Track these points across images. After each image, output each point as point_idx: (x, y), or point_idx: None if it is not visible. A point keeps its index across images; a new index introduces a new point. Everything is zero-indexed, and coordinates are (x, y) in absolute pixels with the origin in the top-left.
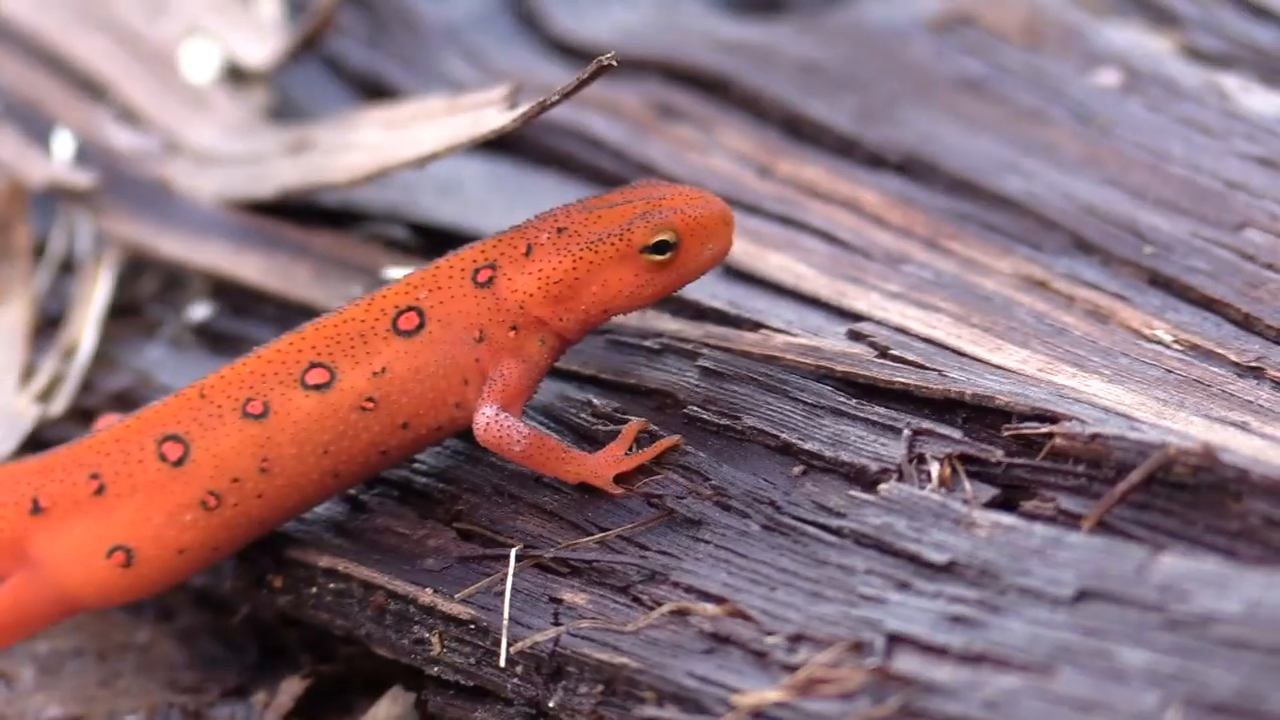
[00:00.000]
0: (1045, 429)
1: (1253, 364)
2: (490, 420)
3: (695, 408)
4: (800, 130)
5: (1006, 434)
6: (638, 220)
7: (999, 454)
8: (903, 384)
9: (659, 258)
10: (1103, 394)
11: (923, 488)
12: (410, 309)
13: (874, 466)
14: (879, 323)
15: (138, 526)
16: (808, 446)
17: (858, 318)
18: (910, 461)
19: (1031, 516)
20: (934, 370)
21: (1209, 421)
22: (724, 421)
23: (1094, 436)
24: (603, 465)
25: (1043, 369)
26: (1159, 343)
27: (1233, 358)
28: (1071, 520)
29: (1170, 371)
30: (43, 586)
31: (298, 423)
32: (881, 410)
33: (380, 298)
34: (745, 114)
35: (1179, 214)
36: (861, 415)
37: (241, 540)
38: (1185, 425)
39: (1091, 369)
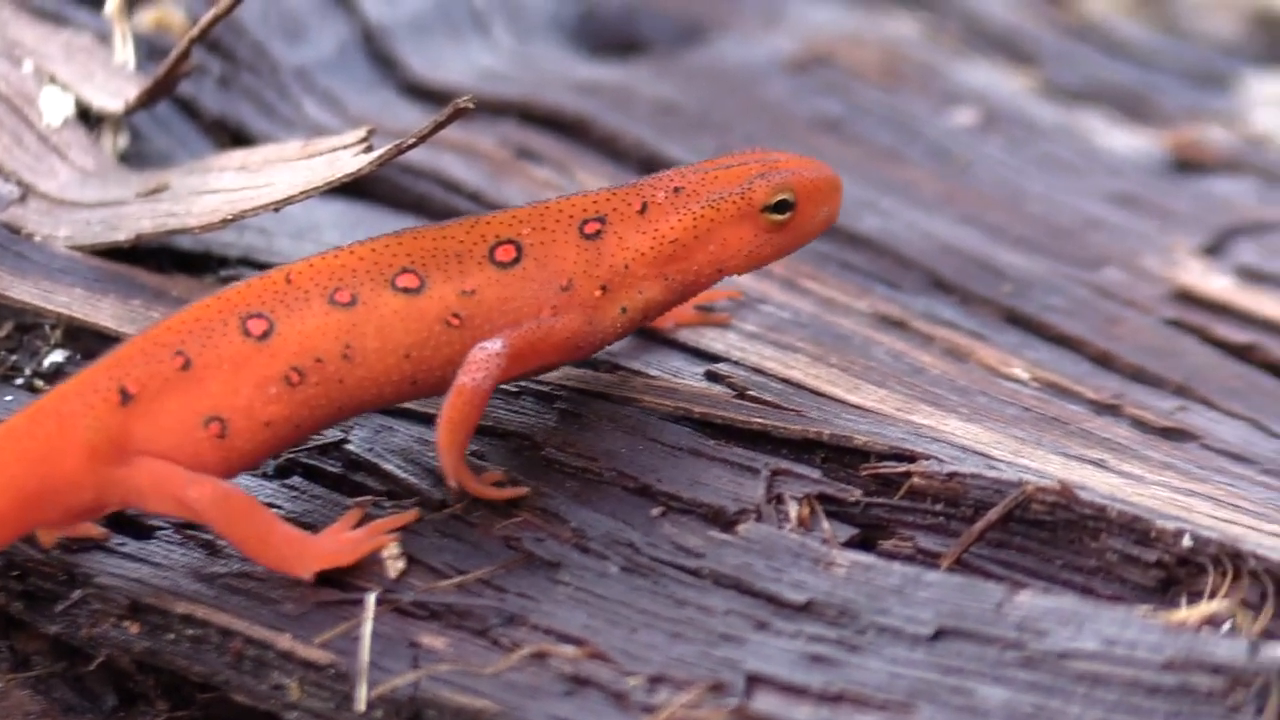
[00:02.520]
0: (903, 468)
1: (1110, 401)
2: (492, 350)
3: (554, 450)
4: (658, 170)
5: (865, 473)
6: (758, 180)
7: (857, 493)
8: (761, 424)
9: (778, 218)
10: (960, 432)
11: (781, 528)
12: (509, 241)
13: (732, 507)
14: (737, 363)
15: (227, 397)
16: (666, 488)
17: (715, 359)
18: (769, 502)
19: (890, 555)
20: (792, 411)
21: (1066, 459)
22: (582, 464)
23: (951, 475)
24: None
25: (900, 408)
26: (1016, 381)
27: (1090, 395)
28: (930, 559)
29: (1028, 409)
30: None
31: (384, 317)
32: (740, 451)
33: (484, 223)
34: (603, 154)
35: (1037, 252)
36: (720, 456)
37: (323, 422)
38: (1043, 463)
39: (949, 407)
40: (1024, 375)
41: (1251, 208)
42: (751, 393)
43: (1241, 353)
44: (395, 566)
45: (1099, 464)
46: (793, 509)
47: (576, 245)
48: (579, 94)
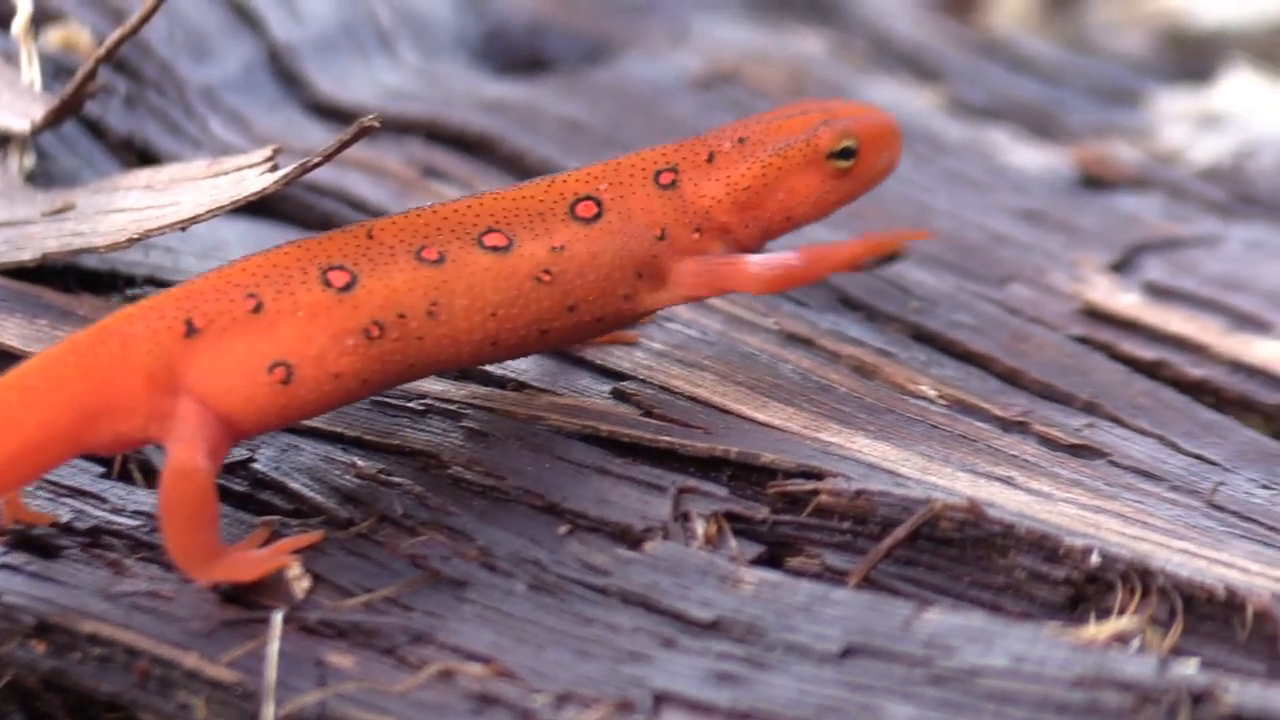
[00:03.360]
0: (810, 486)
1: (1018, 419)
2: (759, 266)
3: (460, 468)
4: None
5: (772, 491)
6: (822, 127)
7: (765, 511)
8: (668, 443)
9: (844, 164)
10: (868, 450)
11: (688, 545)
12: (588, 198)
13: (639, 525)
14: (644, 381)
15: (299, 344)
16: (573, 506)
17: (622, 377)
18: (676, 520)
19: (797, 573)
20: (699, 429)
21: (974, 476)
22: (489, 482)
23: (859, 493)
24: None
25: (808, 426)
26: (924, 398)
27: (998, 412)
28: (837, 576)
29: (935, 427)
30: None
31: (474, 275)
32: (647, 469)
33: (560, 182)
34: (509, 173)
35: (944, 269)
36: (627, 474)
37: (391, 380)
38: (950, 481)
39: (857, 425)
40: (931, 393)
41: (1159, 224)
42: (658, 411)
43: (1149, 369)
44: (300, 586)
45: (1007, 481)
46: (700, 527)
47: (658, 195)
48: (485, 112)
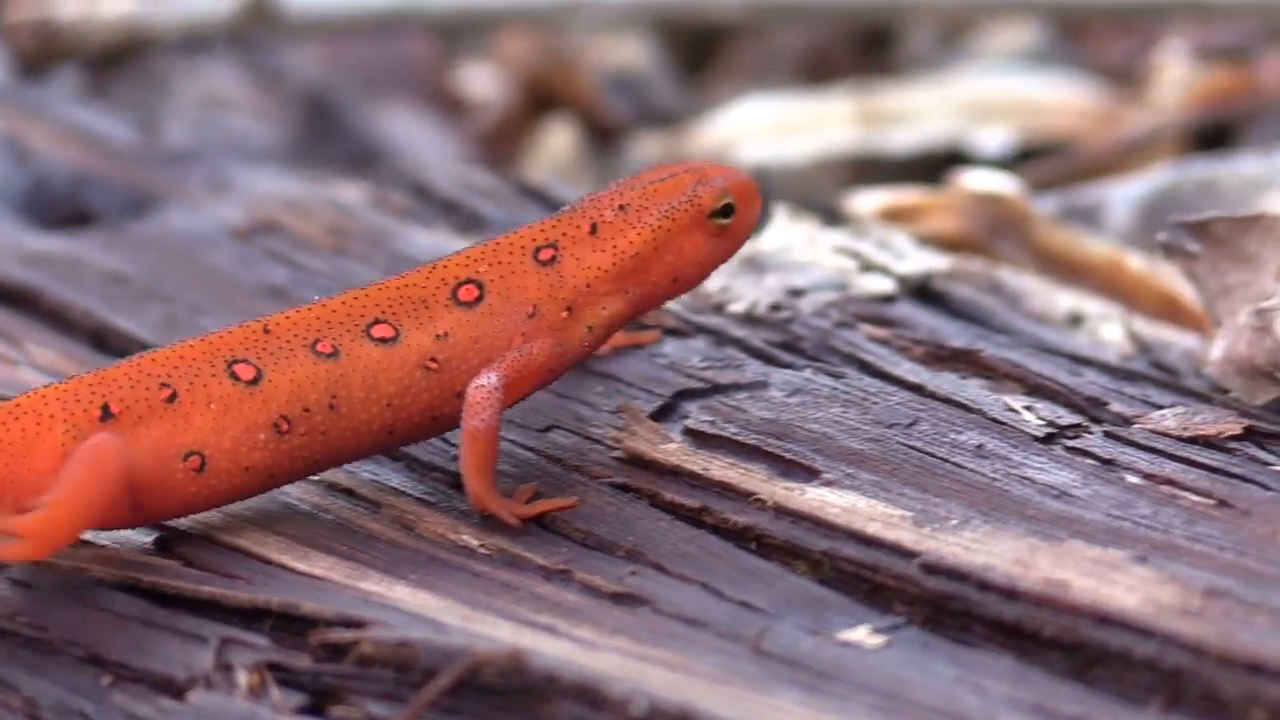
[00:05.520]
0: (352, 635)
1: (560, 567)
2: (489, 386)
3: (4, 620)
4: (107, 342)
5: (314, 641)
6: (700, 187)
7: (307, 661)
8: (209, 593)
9: (724, 221)
10: (409, 599)
11: (231, 696)
12: (469, 281)
13: (182, 675)
14: (185, 533)
15: (214, 436)
16: (116, 657)
17: (163, 528)
18: (218, 670)
19: None
20: (241, 579)
21: (517, 625)
22: (33, 633)
23: (401, 642)
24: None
25: (349, 575)
26: (466, 548)
27: (540, 561)
28: None
29: (478, 576)
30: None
31: (367, 367)
32: (189, 619)
33: (442, 267)
34: (53, 327)
35: None
36: (169, 625)
37: (297, 473)
38: (493, 629)
39: (398, 575)
40: (474, 542)
41: (700, 371)
42: (200, 562)
43: (692, 517)
44: None
45: (550, 630)
46: (242, 677)
47: (536, 273)
48: (27, 266)
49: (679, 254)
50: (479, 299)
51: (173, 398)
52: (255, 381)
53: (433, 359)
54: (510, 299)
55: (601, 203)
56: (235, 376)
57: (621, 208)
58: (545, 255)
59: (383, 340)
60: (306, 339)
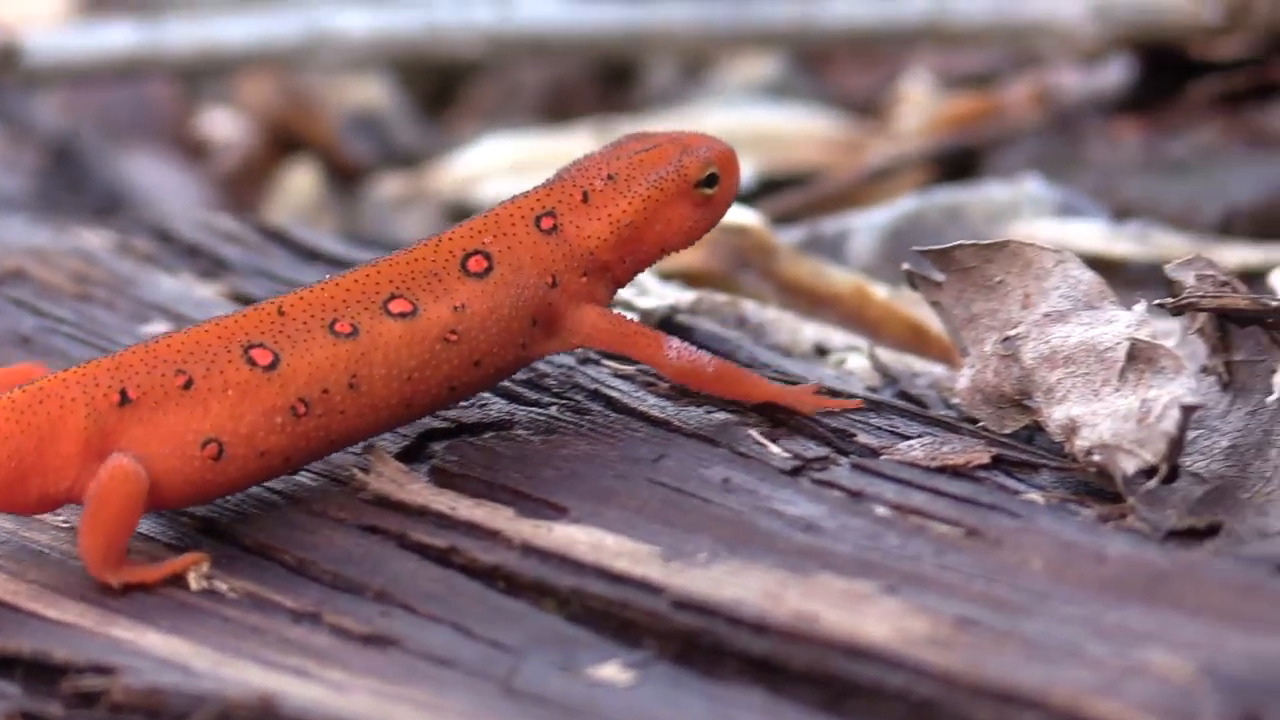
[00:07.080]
0: (103, 682)
1: (309, 610)
2: (677, 350)
3: None
4: None
5: (66, 689)
6: (685, 156)
7: (59, 708)
8: None
9: (709, 191)
10: (160, 645)
11: None
12: (477, 252)
13: None
14: None
15: (231, 423)
16: None
17: None
18: None
19: None
20: None
21: (266, 669)
22: None
23: (152, 688)
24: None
25: (100, 622)
26: (214, 592)
27: (289, 604)
28: None
29: (228, 620)
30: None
31: (389, 344)
32: None
33: (447, 240)
34: None
35: None
36: None
37: (312, 455)
38: (243, 673)
39: (149, 621)
40: (223, 587)
41: (445, 410)
42: None
43: (440, 557)
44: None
45: (300, 672)
46: None
47: (543, 241)
48: None
49: (666, 224)
50: (489, 269)
51: (189, 384)
52: (273, 366)
53: (452, 331)
54: (523, 269)
55: (589, 171)
56: (252, 362)
57: (610, 177)
58: (546, 224)
59: (402, 315)
60: (324, 320)
